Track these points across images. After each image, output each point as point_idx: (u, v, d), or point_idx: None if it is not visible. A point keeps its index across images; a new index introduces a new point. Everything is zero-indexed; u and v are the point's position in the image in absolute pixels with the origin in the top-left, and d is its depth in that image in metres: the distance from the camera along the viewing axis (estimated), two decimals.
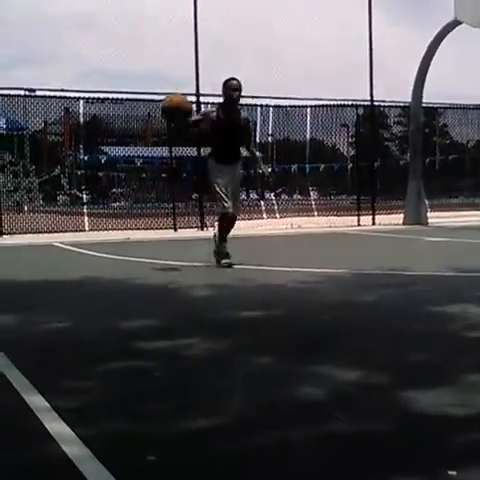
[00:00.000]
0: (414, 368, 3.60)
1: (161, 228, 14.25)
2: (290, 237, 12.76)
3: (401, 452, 2.46)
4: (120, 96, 14.48)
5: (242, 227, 14.37)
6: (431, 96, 16.75)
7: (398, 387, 3.20)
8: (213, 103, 14.90)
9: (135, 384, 3.36)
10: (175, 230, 14.22)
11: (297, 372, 3.50)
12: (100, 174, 16.44)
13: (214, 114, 7.81)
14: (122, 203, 17.81)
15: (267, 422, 2.79)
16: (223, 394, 3.17)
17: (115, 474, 2.26)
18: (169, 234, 13.70)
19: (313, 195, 19.03)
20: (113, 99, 14.48)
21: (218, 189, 7.65)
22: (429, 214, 15.65)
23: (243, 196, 20.52)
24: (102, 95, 14.34)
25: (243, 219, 15.38)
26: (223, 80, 7.80)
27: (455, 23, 14.55)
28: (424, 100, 16.06)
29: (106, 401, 3.10)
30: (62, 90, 14.05)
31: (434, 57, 15.08)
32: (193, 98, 14.25)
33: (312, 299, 5.80)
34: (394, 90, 15.73)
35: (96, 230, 13.98)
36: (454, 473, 2.22)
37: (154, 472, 2.34)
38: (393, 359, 3.77)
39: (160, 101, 14.19)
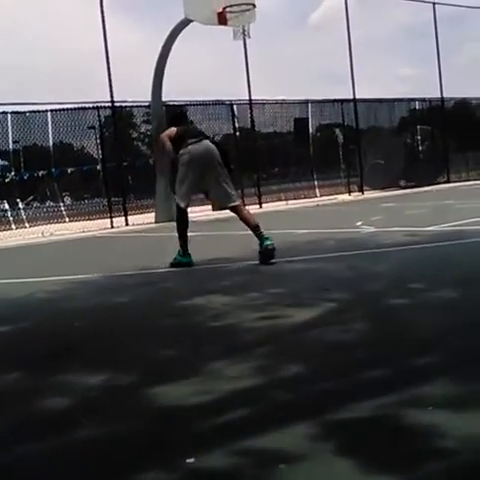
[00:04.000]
0: (161, 363, 3.68)
1: None
2: (41, 246, 12.44)
3: (142, 448, 2.51)
4: None
5: None
6: (182, 93, 17.05)
7: (145, 385, 3.26)
8: None
9: None
10: None
11: (43, 383, 3.45)
12: None
13: None
14: None
15: (13, 440, 2.73)
16: None
17: None
18: None
19: (67, 200, 18.67)
20: None
21: None
22: None
23: None
24: None
25: None
26: None
27: (186, 21, 14.92)
28: (172, 98, 16.42)
29: None
30: None
31: (171, 54, 15.31)
32: None
33: (62, 306, 5.72)
34: (144, 90, 15.78)
35: None
36: (192, 460, 2.31)
37: None
38: (141, 357, 3.83)
39: None
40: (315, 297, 5.07)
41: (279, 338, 4.00)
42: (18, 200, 17.31)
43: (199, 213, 15.87)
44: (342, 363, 3.37)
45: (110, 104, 15.91)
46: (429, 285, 5.24)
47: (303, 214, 15.51)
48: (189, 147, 7.27)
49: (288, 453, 2.32)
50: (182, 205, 7.33)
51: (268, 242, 6.98)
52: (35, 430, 2.82)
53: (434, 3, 22.56)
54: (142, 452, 2.48)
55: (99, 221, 15.78)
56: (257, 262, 6.96)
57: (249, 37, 15.34)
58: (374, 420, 2.57)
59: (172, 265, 7.21)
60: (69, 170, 17.99)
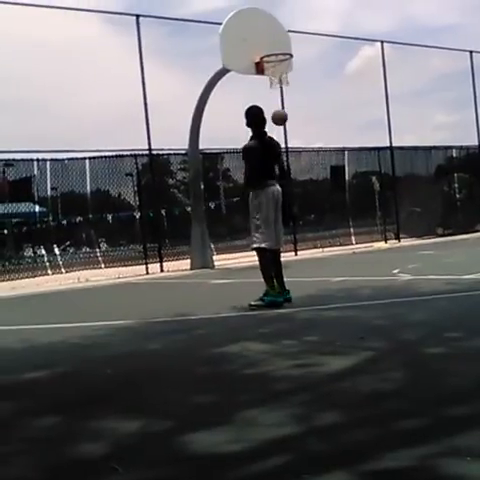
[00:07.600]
0: (196, 411, 3.66)
1: None
2: (76, 291, 12.54)
3: None
4: None
5: (25, 285, 13.98)
6: (219, 141, 17.14)
7: (179, 432, 3.24)
8: None
9: None
10: None
11: (78, 429, 3.45)
12: None
13: None
14: None
15: None
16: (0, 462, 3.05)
17: None
18: None
19: (103, 247, 18.84)
20: None
21: None
22: (216, 257, 16.07)
23: (30, 252, 19.93)
24: None
25: (26, 277, 15.03)
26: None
27: (224, 71, 15.14)
28: (209, 145, 16.63)
29: None
30: None
31: (209, 104, 15.53)
32: None
33: (96, 353, 5.74)
34: (181, 137, 15.98)
35: None
36: None
37: None
38: (175, 405, 3.82)
39: None
40: (351, 345, 5.02)
41: (314, 386, 3.96)
42: (54, 245, 17.54)
43: (232, 260, 15.98)
44: (378, 412, 3.33)
45: (147, 152, 16.14)
46: (466, 334, 5.17)
47: (339, 261, 15.45)
48: (272, 188, 7.64)
49: None
50: (274, 247, 7.70)
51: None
52: (70, 476, 2.81)
53: (471, 51, 22.66)
54: None
55: (134, 267, 15.88)
56: (293, 309, 6.95)
57: (287, 85, 15.48)
58: (411, 470, 2.52)
59: (268, 305, 7.31)
60: (105, 216, 18.20)
